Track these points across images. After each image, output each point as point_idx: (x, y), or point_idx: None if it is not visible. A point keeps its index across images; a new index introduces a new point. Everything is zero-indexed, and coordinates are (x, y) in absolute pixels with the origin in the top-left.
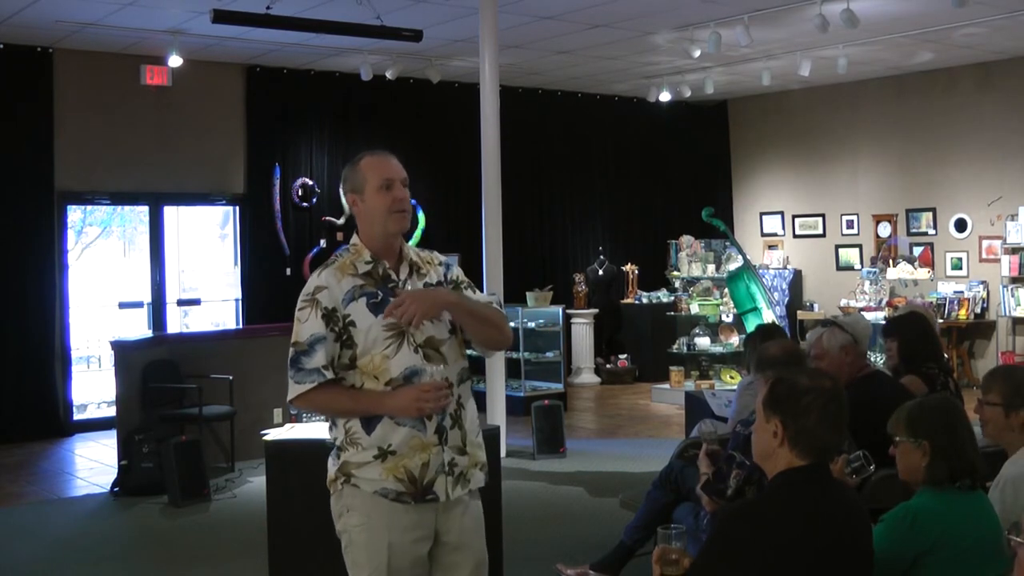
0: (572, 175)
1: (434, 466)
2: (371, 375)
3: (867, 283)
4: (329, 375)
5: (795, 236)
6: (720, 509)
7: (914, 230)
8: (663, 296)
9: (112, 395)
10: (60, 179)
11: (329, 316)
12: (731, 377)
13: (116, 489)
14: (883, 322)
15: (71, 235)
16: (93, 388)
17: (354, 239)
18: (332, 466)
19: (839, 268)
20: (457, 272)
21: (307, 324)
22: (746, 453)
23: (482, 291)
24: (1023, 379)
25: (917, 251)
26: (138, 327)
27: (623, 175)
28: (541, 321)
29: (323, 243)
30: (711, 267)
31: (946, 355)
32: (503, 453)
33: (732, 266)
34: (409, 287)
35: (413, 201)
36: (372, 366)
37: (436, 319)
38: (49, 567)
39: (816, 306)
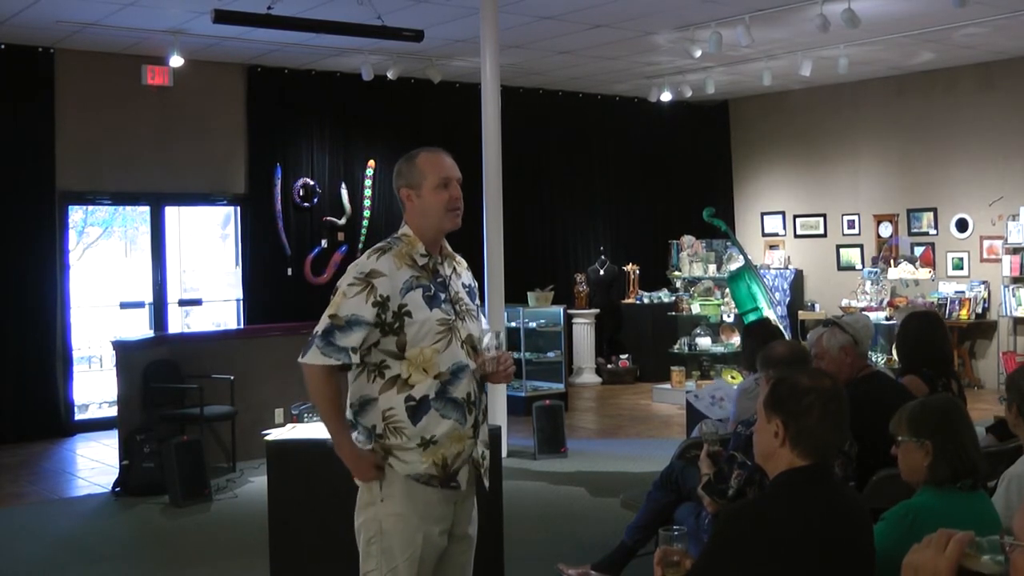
0: (573, 175)
1: (464, 457)
2: (419, 367)
3: (868, 283)
4: (355, 359)
5: (796, 236)
6: (721, 510)
7: (915, 230)
8: (664, 296)
9: (113, 395)
10: (61, 179)
11: (382, 304)
12: (732, 377)
13: (117, 489)
14: (884, 322)
15: (72, 235)
16: (94, 388)
17: (405, 229)
18: (366, 447)
19: (840, 268)
20: (476, 283)
21: (352, 301)
22: (747, 453)
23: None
24: (1021, 376)
25: (918, 251)
26: (139, 327)
27: (624, 175)
28: (542, 321)
29: (324, 243)
30: (712, 267)
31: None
32: (504, 453)
33: (733, 266)
34: (451, 284)
35: None
36: (422, 359)
37: (475, 318)
38: (50, 567)
39: (817, 306)
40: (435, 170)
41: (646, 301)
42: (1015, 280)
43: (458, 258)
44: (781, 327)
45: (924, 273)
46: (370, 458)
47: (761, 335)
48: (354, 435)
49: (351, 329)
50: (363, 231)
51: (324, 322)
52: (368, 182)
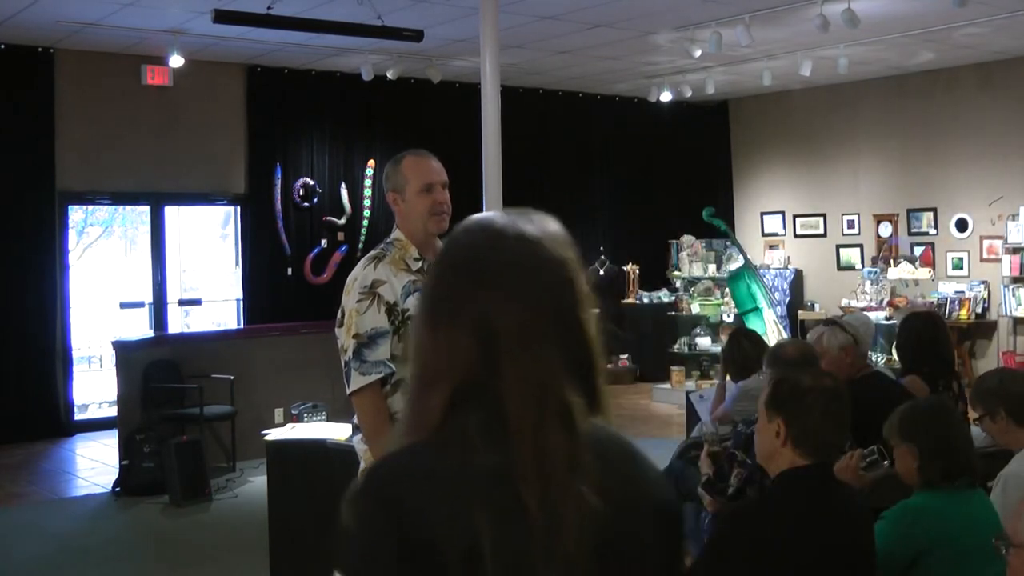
0: (572, 175)
1: None
2: None
3: (868, 283)
4: (392, 367)
5: (796, 236)
6: (722, 509)
7: (915, 230)
8: (664, 296)
9: (113, 395)
10: (61, 179)
11: (391, 310)
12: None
13: (117, 489)
14: (884, 322)
15: (72, 235)
16: (94, 388)
17: (397, 233)
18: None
19: (840, 268)
20: None
21: (367, 316)
22: (748, 452)
23: None
24: (990, 384)
25: (918, 251)
26: (139, 327)
27: (623, 175)
28: None
29: (324, 243)
30: (712, 267)
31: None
32: None
33: (733, 266)
34: None
35: None
36: None
37: None
38: (50, 567)
39: (817, 306)
40: (418, 175)
41: (646, 301)
42: (1015, 280)
43: None
44: (780, 327)
45: (924, 273)
46: None
47: (750, 341)
48: (360, 438)
49: (376, 343)
50: (363, 231)
51: (350, 345)
52: (368, 182)
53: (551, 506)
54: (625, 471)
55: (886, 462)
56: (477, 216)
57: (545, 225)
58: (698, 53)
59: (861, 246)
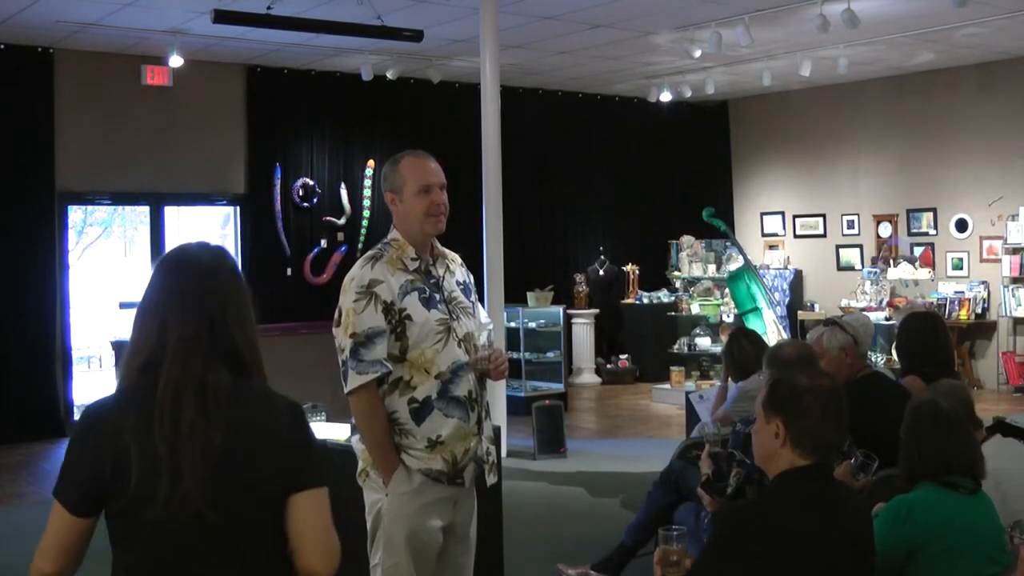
0: (572, 175)
1: (470, 454)
2: (421, 368)
3: (868, 283)
4: (389, 367)
5: (796, 236)
6: (721, 509)
7: (915, 230)
8: (664, 296)
9: None
10: (61, 179)
11: (388, 309)
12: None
13: None
14: (884, 322)
15: (72, 235)
16: (94, 388)
17: (394, 234)
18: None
19: (840, 268)
20: (471, 278)
21: (364, 316)
22: (746, 452)
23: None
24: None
25: (918, 251)
26: None
27: (623, 175)
28: (542, 321)
29: (324, 243)
30: (712, 267)
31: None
32: (504, 453)
33: (733, 266)
34: (445, 284)
35: None
36: (423, 359)
37: (471, 315)
38: None
39: (817, 306)
40: (416, 176)
41: (646, 301)
42: (1015, 280)
43: (450, 255)
44: (780, 328)
45: (924, 273)
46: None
47: (750, 341)
48: (358, 438)
49: (374, 342)
50: (363, 231)
51: (347, 345)
52: (368, 182)
53: (176, 447)
54: (253, 411)
55: (875, 463)
56: (181, 245)
57: (219, 261)
58: (698, 53)
59: (861, 246)
